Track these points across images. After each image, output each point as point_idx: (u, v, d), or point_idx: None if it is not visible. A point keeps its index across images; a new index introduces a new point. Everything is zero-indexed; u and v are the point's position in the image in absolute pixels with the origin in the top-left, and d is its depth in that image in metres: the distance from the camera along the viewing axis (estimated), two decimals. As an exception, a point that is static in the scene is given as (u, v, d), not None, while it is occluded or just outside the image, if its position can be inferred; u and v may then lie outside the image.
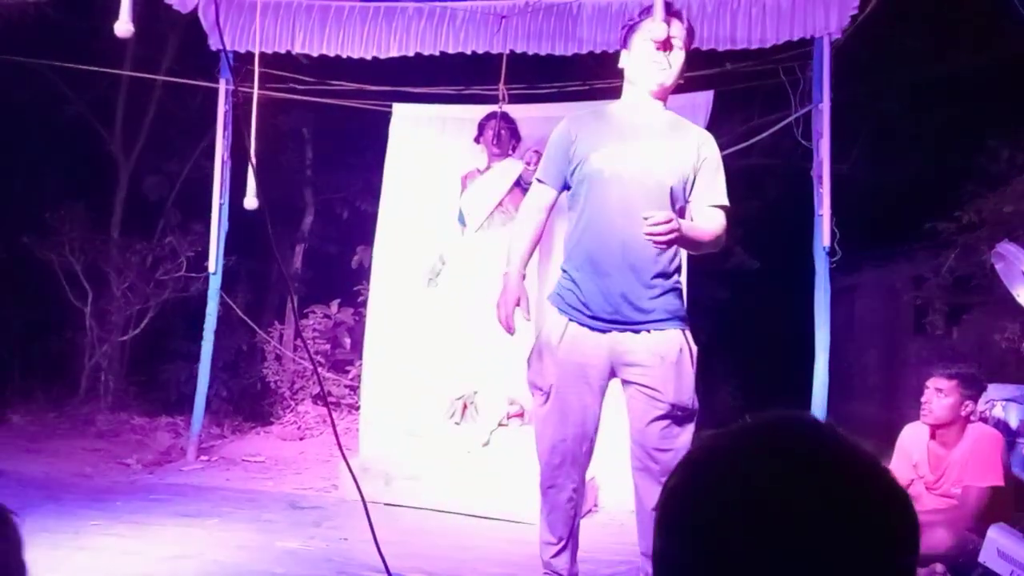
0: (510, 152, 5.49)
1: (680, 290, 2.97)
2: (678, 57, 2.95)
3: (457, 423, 5.30)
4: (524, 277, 3.04)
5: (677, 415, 2.85)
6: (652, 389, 2.85)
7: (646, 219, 2.64)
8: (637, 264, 2.83)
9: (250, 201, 4.32)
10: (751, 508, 0.72)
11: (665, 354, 2.85)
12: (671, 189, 2.88)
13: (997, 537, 3.41)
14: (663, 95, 2.99)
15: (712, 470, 0.77)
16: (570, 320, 2.92)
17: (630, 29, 3.01)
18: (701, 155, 2.95)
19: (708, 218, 2.92)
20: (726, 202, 2.97)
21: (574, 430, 2.91)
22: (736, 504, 0.73)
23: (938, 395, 3.76)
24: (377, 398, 5.72)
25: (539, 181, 3.08)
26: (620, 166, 2.90)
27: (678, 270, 2.97)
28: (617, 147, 2.92)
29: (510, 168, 5.44)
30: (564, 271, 2.99)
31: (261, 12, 5.50)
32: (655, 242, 2.68)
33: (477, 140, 5.53)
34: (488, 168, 5.48)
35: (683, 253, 3.05)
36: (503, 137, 5.41)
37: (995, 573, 3.40)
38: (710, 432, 0.83)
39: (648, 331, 2.86)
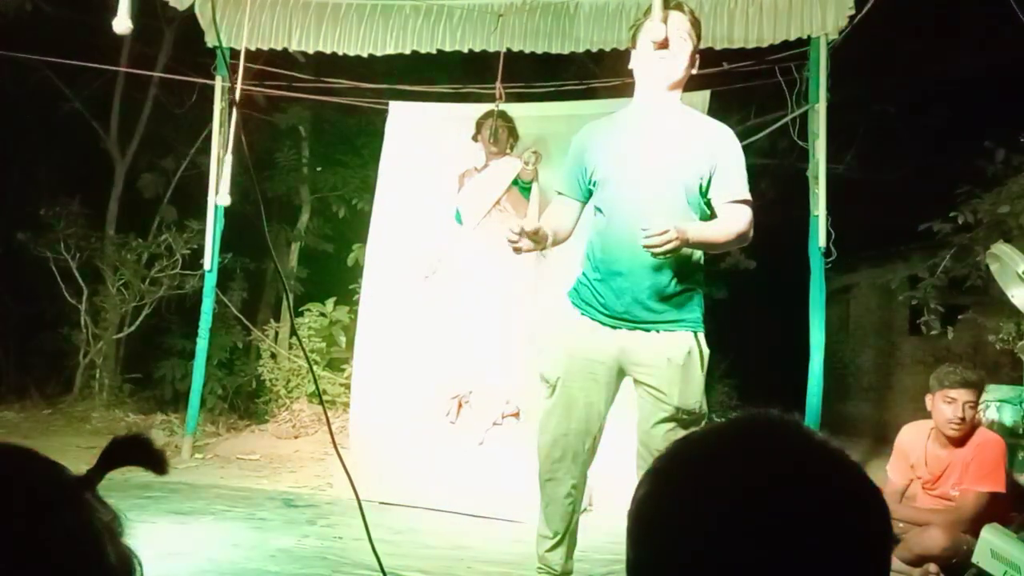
0: (508, 151, 5.47)
1: (696, 291, 2.91)
2: (682, 49, 2.89)
3: (452, 422, 5.30)
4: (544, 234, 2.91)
5: (683, 419, 2.82)
6: (658, 390, 2.85)
7: (644, 230, 2.63)
8: (650, 265, 2.80)
9: (223, 197, 4.27)
10: (722, 514, 0.71)
11: (672, 356, 2.83)
12: (684, 189, 2.84)
13: (991, 538, 3.42)
14: (674, 91, 2.94)
15: (681, 477, 0.77)
16: (582, 315, 2.93)
17: (637, 29, 3.01)
18: (716, 151, 2.88)
19: (727, 216, 2.86)
20: (746, 196, 2.88)
21: (577, 425, 2.90)
22: (707, 510, 0.72)
23: (968, 407, 3.75)
24: (370, 396, 5.70)
25: (558, 193, 3.09)
26: (631, 168, 2.89)
27: (697, 271, 2.91)
28: (628, 149, 2.91)
29: (507, 166, 5.42)
30: (583, 272, 2.99)
31: (258, 9, 5.49)
32: (654, 254, 2.66)
33: (475, 138, 5.51)
34: (485, 166, 5.47)
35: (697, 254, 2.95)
36: (500, 135, 5.39)
37: (988, 574, 3.41)
38: (676, 440, 0.82)
39: (658, 331, 2.84)
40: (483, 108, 5.58)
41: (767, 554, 0.70)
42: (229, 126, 4.24)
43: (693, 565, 0.72)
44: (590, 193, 3.01)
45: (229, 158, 3.83)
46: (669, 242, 2.61)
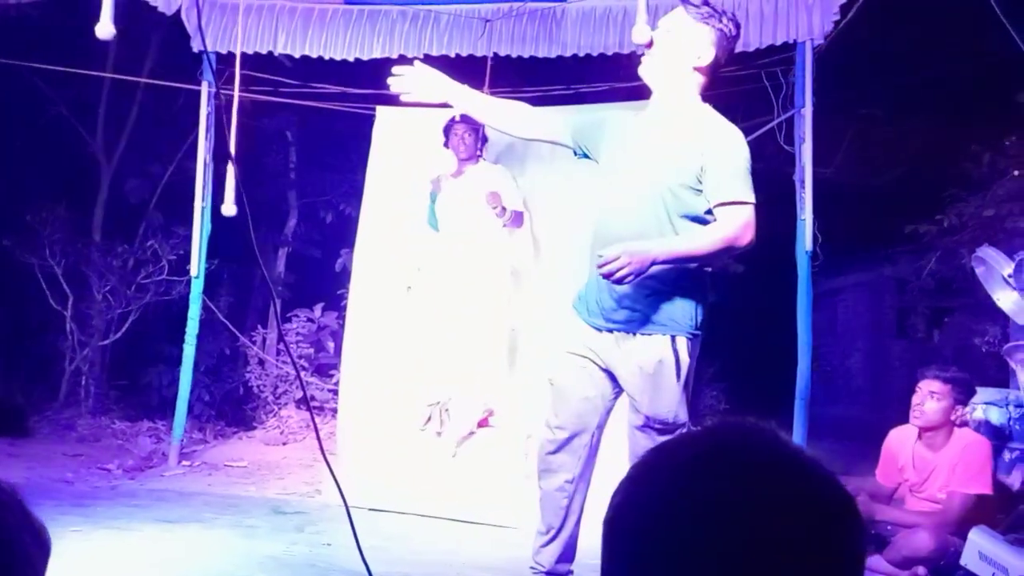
0: (478, 153, 5.44)
1: (686, 293, 2.79)
2: (672, 47, 2.82)
3: (438, 432, 5.27)
4: (470, 98, 3.12)
5: (656, 427, 2.78)
6: (632, 397, 2.85)
7: (599, 256, 2.62)
8: None
9: (228, 208, 4.29)
10: (695, 524, 0.72)
11: (643, 364, 2.78)
12: (668, 189, 2.77)
13: (978, 539, 3.43)
14: (676, 91, 2.87)
15: (654, 486, 0.77)
16: (578, 315, 2.93)
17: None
18: (704, 149, 2.75)
19: (715, 222, 2.75)
20: (737, 197, 2.72)
21: (572, 420, 2.91)
22: (679, 520, 0.72)
23: (931, 397, 3.76)
24: (357, 402, 5.68)
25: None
26: (619, 165, 2.88)
27: (684, 274, 2.78)
28: (621, 145, 2.90)
29: (485, 176, 5.37)
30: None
31: (244, 13, 5.47)
32: (612, 281, 2.63)
33: (445, 145, 5.48)
34: (460, 173, 5.42)
35: None
36: (467, 140, 5.35)
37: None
38: (651, 448, 0.83)
39: (633, 333, 2.81)
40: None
41: (739, 564, 0.70)
42: (228, 131, 4.24)
43: (670, 572, 0.72)
44: (579, 149, 3.00)
45: (232, 168, 3.83)
46: (622, 268, 2.58)
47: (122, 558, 3.63)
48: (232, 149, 3.71)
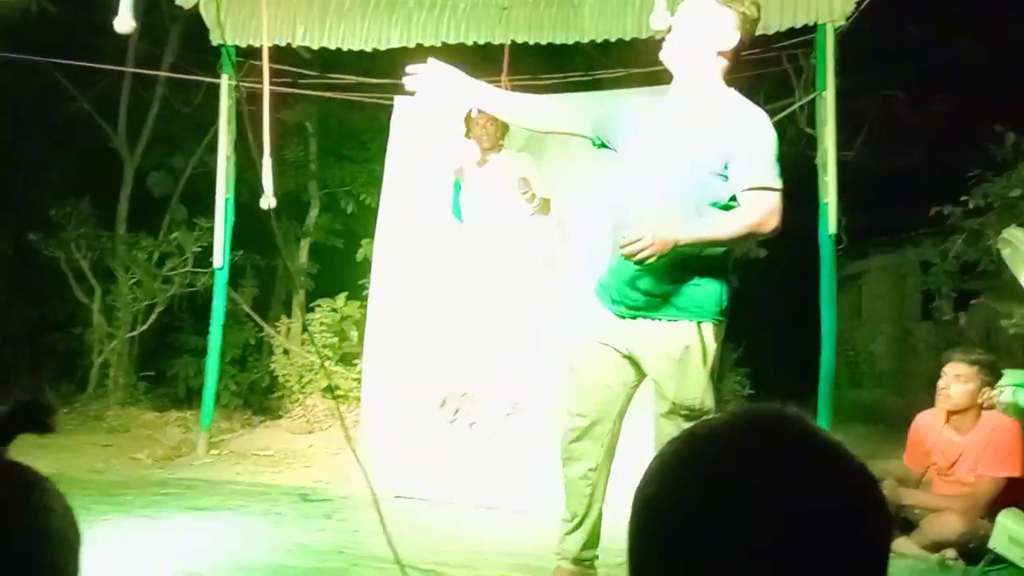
0: (501, 142, 5.43)
1: (704, 278, 2.77)
2: (691, 32, 2.79)
3: (471, 424, 5.28)
4: (487, 95, 3.10)
5: (683, 413, 2.77)
6: (657, 383, 2.84)
7: (622, 237, 2.62)
8: None
9: (265, 201, 4.28)
10: (729, 510, 0.72)
11: (670, 350, 2.77)
12: (691, 176, 2.75)
13: (1007, 523, 3.41)
14: (697, 76, 2.84)
15: (688, 474, 0.77)
16: (600, 301, 2.92)
17: None
18: (731, 136, 2.72)
19: (739, 207, 2.72)
20: (762, 183, 2.68)
21: (594, 408, 2.90)
22: (713, 507, 0.73)
23: (957, 380, 3.74)
24: (381, 391, 5.71)
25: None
26: (639, 153, 2.85)
27: (708, 258, 2.76)
28: (641, 133, 2.87)
29: (511, 165, 5.36)
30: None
31: (262, 6, 5.49)
32: (635, 262, 2.62)
33: (467, 135, 5.46)
34: (484, 162, 5.41)
35: None
36: (489, 129, 5.32)
37: (1005, 558, 3.40)
38: (680, 435, 0.83)
39: (658, 320, 2.79)
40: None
41: (769, 549, 0.71)
42: (248, 124, 4.26)
43: (698, 560, 0.73)
44: (598, 140, 2.98)
45: (268, 160, 3.83)
46: (645, 249, 2.57)
47: (153, 546, 3.68)
48: (266, 142, 3.70)
